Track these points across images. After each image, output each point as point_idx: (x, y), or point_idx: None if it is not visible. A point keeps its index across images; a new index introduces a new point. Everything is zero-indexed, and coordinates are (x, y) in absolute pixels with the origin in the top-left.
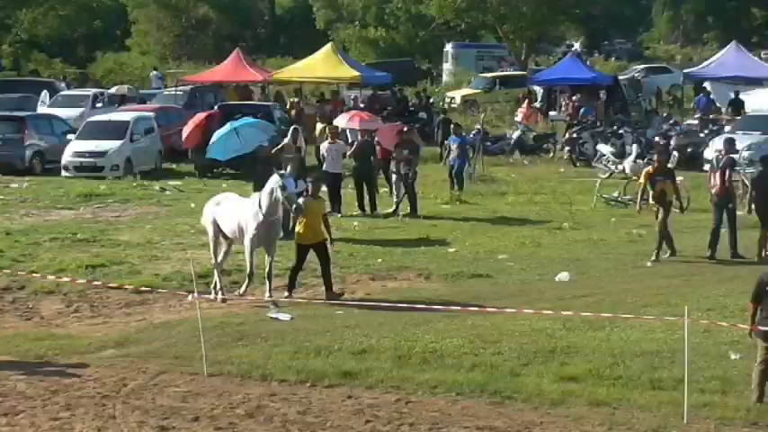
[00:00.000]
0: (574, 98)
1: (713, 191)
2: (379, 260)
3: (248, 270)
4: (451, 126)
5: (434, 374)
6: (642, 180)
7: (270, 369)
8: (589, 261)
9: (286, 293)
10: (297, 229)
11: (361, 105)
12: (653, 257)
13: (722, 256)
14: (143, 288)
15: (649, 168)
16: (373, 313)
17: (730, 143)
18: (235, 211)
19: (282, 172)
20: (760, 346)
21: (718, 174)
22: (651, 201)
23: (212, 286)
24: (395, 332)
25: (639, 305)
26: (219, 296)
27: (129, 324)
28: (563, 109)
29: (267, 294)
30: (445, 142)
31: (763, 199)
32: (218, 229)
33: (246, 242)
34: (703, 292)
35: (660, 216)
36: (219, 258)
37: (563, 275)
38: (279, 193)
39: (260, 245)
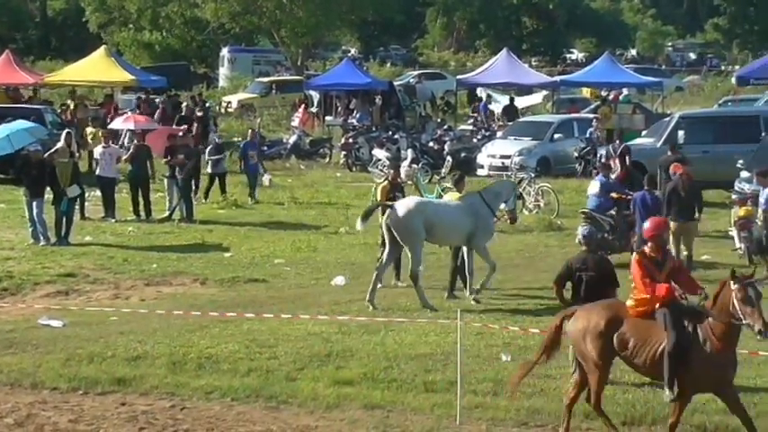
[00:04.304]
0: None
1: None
2: (155, 265)
3: (492, 263)
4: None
5: (210, 380)
6: (378, 195)
7: (40, 377)
8: (365, 265)
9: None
10: None
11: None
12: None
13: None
14: None
15: (384, 183)
16: (148, 319)
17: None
18: (459, 215)
19: (522, 176)
20: None
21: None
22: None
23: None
24: (170, 338)
25: (413, 308)
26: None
27: None
28: (339, 114)
29: (472, 293)
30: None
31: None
32: (425, 235)
33: (484, 241)
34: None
35: None
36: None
37: (339, 280)
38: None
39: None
